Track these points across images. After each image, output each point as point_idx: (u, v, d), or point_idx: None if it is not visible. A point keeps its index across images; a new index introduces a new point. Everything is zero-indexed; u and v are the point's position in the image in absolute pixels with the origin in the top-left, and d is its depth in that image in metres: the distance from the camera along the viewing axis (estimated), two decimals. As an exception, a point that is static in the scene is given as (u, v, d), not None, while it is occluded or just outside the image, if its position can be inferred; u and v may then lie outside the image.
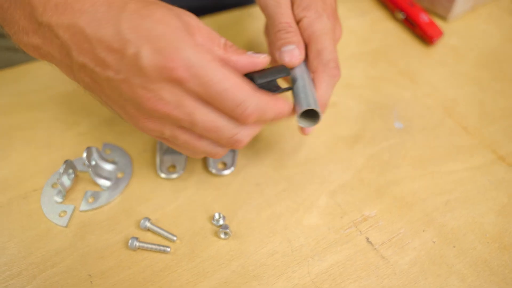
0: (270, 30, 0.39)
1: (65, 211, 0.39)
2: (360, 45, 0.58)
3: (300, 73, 0.37)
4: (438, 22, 0.61)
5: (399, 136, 0.46)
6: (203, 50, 0.28)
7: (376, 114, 0.48)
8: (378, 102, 0.50)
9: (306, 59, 0.38)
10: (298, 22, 0.39)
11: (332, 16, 0.39)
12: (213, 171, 0.41)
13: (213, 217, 0.38)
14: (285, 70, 0.35)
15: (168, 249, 0.36)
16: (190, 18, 0.30)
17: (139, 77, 0.28)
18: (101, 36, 0.28)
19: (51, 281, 0.34)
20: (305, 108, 0.33)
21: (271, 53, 0.41)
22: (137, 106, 0.30)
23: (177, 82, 0.28)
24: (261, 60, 0.32)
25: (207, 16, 0.60)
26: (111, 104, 0.32)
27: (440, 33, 0.58)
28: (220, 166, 0.42)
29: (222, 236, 0.37)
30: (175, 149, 0.37)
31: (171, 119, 0.30)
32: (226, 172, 0.41)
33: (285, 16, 0.38)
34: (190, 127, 0.30)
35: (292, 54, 0.37)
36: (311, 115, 0.35)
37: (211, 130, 0.30)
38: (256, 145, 0.44)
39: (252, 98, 0.29)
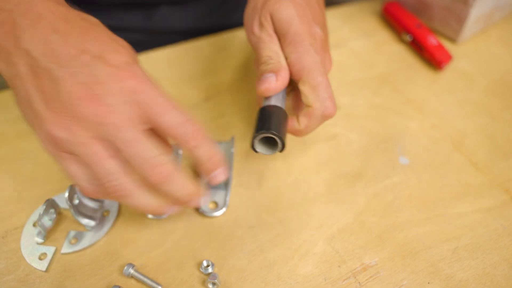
0: (256, 69, 0.38)
1: (45, 254, 0.37)
2: (363, 70, 0.55)
3: (274, 102, 0.36)
4: (447, 45, 0.58)
5: (403, 173, 0.43)
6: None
7: (380, 148, 0.45)
8: (381, 134, 0.47)
9: (293, 93, 0.39)
10: (286, 58, 0.37)
11: (321, 49, 0.38)
12: (204, 211, 0.39)
13: (201, 264, 0.35)
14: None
15: (159, 287, 0.34)
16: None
17: (89, 75, 0.27)
18: (63, 35, 0.28)
19: (25, 335, 0.32)
20: (261, 132, 0.33)
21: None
22: (65, 102, 0.27)
23: (130, 93, 0.28)
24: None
25: (210, 36, 0.58)
26: (34, 96, 0.28)
27: (449, 57, 0.55)
28: (211, 206, 0.40)
29: (210, 286, 0.34)
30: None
31: (102, 121, 0.27)
32: (218, 213, 0.39)
33: (266, 50, 0.37)
34: (114, 138, 0.28)
35: (267, 81, 0.36)
36: (272, 142, 0.35)
37: (137, 143, 0.28)
38: (250, 182, 0.42)
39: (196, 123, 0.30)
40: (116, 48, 0.29)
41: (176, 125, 0.29)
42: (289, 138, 0.45)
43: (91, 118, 0.27)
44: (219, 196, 0.40)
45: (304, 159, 0.44)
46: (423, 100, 0.51)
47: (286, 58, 0.37)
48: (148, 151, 0.28)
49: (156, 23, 0.59)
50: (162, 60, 0.55)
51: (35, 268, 0.36)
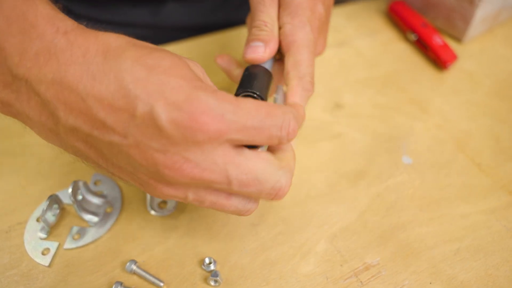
0: (249, 26, 0.38)
1: (48, 249, 0.37)
2: (368, 69, 0.55)
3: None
4: (453, 45, 0.58)
5: (407, 173, 0.43)
6: (223, 95, 0.24)
7: (383, 148, 0.45)
8: (385, 133, 0.47)
9: (279, 62, 0.39)
10: (280, 27, 0.37)
11: (318, 28, 0.37)
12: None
13: (203, 262, 0.35)
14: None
15: (162, 284, 0.34)
16: (196, 66, 0.29)
17: (155, 140, 0.23)
18: (99, 92, 0.23)
19: (28, 329, 0.32)
20: (244, 90, 0.33)
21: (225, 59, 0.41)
22: (154, 173, 0.25)
23: (217, 136, 0.24)
24: None
25: (214, 33, 0.58)
26: (115, 171, 0.27)
27: (454, 57, 0.55)
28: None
29: (212, 283, 0.34)
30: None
31: (200, 182, 0.25)
32: None
33: (264, 15, 0.36)
34: (224, 187, 0.26)
35: (256, 51, 0.35)
36: None
37: (250, 183, 0.26)
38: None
39: (288, 114, 0.27)
40: (171, 80, 0.23)
41: (273, 137, 0.26)
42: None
43: (190, 182, 0.25)
44: None
45: (308, 157, 0.44)
46: (427, 100, 0.51)
47: (280, 27, 0.37)
48: (266, 184, 0.27)
49: (163, 19, 0.59)
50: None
51: (38, 263, 0.36)
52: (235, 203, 0.28)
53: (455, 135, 0.47)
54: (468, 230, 0.39)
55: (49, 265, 0.36)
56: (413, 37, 0.58)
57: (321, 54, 0.42)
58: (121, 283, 0.34)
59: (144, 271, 0.35)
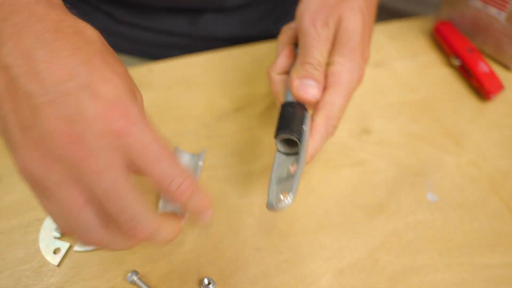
0: (299, 52, 0.37)
1: (59, 249, 0.38)
2: (403, 93, 0.52)
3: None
4: (500, 73, 0.54)
5: (429, 211, 0.40)
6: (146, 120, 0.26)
7: (408, 181, 0.43)
8: (413, 166, 0.44)
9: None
10: (329, 64, 0.36)
11: (363, 71, 0.37)
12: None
13: (202, 282, 0.35)
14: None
15: None
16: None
17: (71, 109, 0.23)
18: (51, 52, 0.24)
19: (30, 326, 0.34)
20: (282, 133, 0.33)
21: (276, 65, 0.39)
22: (44, 135, 0.23)
23: (116, 136, 0.24)
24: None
25: (250, 45, 0.57)
26: (10, 119, 0.24)
27: (500, 87, 0.51)
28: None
29: (209, 305, 0.34)
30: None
31: (78, 165, 0.24)
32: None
33: (318, 53, 0.36)
34: (94, 184, 0.24)
35: (309, 91, 0.35)
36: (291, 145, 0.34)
37: (113, 199, 0.24)
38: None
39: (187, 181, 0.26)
40: (108, 77, 0.25)
41: (166, 179, 0.26)
42: (313, 160, 0.44)
43: (69, 159, 0.23)
44: None
45: (325, 183, 0.42)
46: (464, 133, 0.47)
47: (329, 64, 0.37)
48: (129, 208, 0.24)
49: (201, 29, 0.59)
50: (199, 66, 0.55)
51: (48, 261, 0.37)
52: (86, 213, 0.25)
53: (491, 175, 0.43)
54: (490, 284, 0.36)
55: (58, 265, 0.37)
56: (456, 62, 0.54)
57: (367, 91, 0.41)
58: (136, 273, 0.35)
59: (144, 283, 0.35)
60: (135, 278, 0.35)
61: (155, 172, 0.25)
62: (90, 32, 0.27)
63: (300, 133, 0.33)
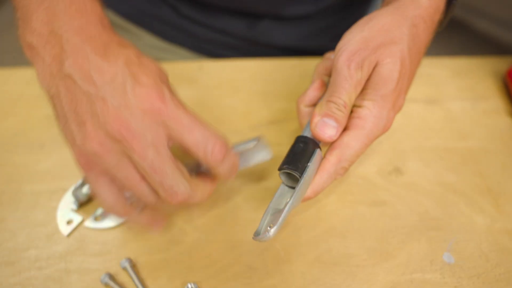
0: (328, 88, 0.36)
1: (72, 221, 0.41)
2: (451, 138, 0.48)
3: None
4: None
5: (441, 273, 0.37)
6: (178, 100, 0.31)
7: (427, 234, 0.40)
8: (437, 219, 0.41)
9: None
10: (357, 105, 0.35)
11: (391, 120, 0.36)
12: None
13: (186, 285, 0.36)
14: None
15: None
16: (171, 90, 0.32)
17: (119, 99, 0.29)
18: (101, 63, 0.30)
19: (28, 283, 0.37)
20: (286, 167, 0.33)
21: (305, 97, 0.40)
22: (100, 123, 0.30)
23: (155, 114, 0.29)
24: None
25: (301, 58, 0.57)
26: (70, 116, 0.31)
27: None
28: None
29: (185, 310, 0.35)
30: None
31: (127, 146, 0.29)
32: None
33: (347, 95, 0.35)
34: (140, 161, 0.30)
35: (327, 131, 0.34)
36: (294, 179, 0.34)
37: (158, 171, 0.30)
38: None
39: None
40: (144, 70, 0.31)
41: (198, 144, 0.31)
42: (330, 188, 0.43)
43: (121, 140, 0.29)
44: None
45: (337, 217, 0.41)
46: (506, 195, 0.43)
47: (356, 106, 0.36)
48: (169, 177, 0.30)
49: (257, 35, 0.60)
50: (247, 70, 0.56)
51: (60, 230, 0.40)
52: (142, 187, 0.31)
53: (526, 249, 0.39)
54: None
55: (67, 235, 0.40)
56: (523, 115, 0.49)
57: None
58: (110, 276, 0.36)
59: (134, 272, 0.37)
60: (127, 265, 0.37)
61: (189, 141, 0.30)
62: (127, 44, 0.33)
63: (303, 170, 0.33)
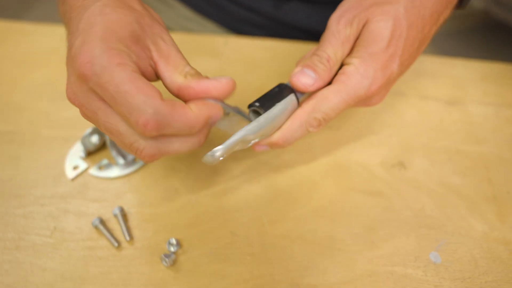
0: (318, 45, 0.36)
1: (78, 167, 0.44)
2: (466, 142, 0.46)
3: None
4: None
5: (423, 270, 0.36)
6: (115, 54, 0.27)
7: (418, 232, 0.39)
8: (432, 218, 0.40)
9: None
10: (344, 63, 0.35)
11: (379, 86, 0.34)
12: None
13: (169, 240, 0.37)
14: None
15: (116, 244, 0.37)
16: (159, 35, 0.30)
17: (68, 63, 0.29)
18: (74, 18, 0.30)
19: (30, 216, 0.40)
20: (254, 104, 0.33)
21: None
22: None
23: (83, 78, 0.27)
24: (217, 84, 0.30)
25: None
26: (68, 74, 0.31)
27: None
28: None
29: (163, 262, 0.36)
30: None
31: (82, 110, 0.30)
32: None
33: (332, 50, 0.35)
34: (96, 124, 0.30)
35: (304, 81, 0.34)
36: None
37: (112, 133, 0.29)
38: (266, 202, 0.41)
39: (149, 105, 0.26)
40: (98, 27, 0.29)
41: (127, 117, 0.28)
42: (324, 167, 0.43)
43: (84, 81, 0.29)
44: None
45: (330, 199, 0.41)
46: (514, 207, 0.41)
47: (344, 63, 0.35)
48: (127, 101, 0.28)
49: (283, 15, 0.60)
50: (270, 50, 0.56)
51: (66, 174, 0.43)
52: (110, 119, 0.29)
53: (522, 263, 0.37)
54: None
55: (72, 179, 0.43)
56: (549, 128, 0.46)
57: (370, 106, 0.39)
58: (100, 220, 0.38)
59: (124, 220, 0.39)
60: (118, 212, 0.39)
61: (118, 111, 0.28)
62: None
63: (268, 108, 0.33)
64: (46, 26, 0.59)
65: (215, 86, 0.30)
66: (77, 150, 0.45)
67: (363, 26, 0.34)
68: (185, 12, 0.64)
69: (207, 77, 0.30)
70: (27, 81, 0.53)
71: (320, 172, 0.43)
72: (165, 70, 0.30)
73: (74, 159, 0.44)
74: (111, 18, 0.29)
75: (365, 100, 0.36)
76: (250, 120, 0.34)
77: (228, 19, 0.63)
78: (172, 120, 0.27)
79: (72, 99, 0.29)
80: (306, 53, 0.38)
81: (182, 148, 0.30)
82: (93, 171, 0.43)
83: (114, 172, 0.43)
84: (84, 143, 0.43)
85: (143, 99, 0.26)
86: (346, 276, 0.36)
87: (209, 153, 0.31)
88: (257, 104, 0.34)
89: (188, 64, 0.31)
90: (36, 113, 0.49)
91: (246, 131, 0.32)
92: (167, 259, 0.35)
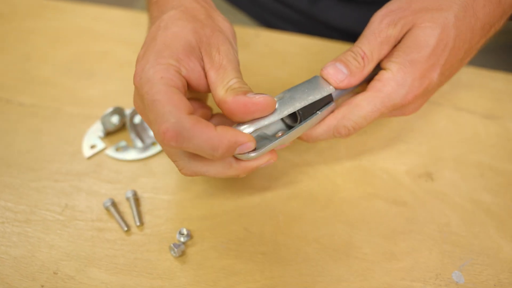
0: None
1: (95, 146, 0.43)
2: (501, 159, 0.43)
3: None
4: None
5: (445, 289, 0.34)
6: (161, 69, 0.29)
7: (442, 248, 0.36)
8: (458, 235, 0.37)
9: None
10: (382, 67, 0.33)
11: (416, 95, 0.33)
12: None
13: (180, 230, 0.36)
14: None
15: (125, 228, 0.36)
16: (224, 52, 0.31)
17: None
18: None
19: (44, 191, 0.39)
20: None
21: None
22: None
23: (134, 86, 0.30)
24: (255, 101, 0.28)
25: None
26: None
27: None
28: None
29: (171, 251, 0.35)
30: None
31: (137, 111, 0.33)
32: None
33: (368, 47, 0.33)
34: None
35: (335, 76, 0.32)
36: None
37: (156, 136, 0.28)
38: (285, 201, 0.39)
39: (173, 115, 0.27)
40: (154, 41, 0.32)
41: (151, 123, 0.30)
42: (347, 169, 0.41)
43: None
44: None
45: (351, 204, 0.39)
46: (549, 232, 0.38)
47: (382, 67, 0.33)
48: (154, 112, 0.30)
49: (317, 12, 0.58)
50: (300, 46, 0.54)
51: (83, 152, 0.43)
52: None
53: (554, 293, 0.34)
54: None
55: (88, 158, 0.42)
56: None
57: (404, 116, 0.38)
58: (112, 202, 0.38)
59: (135, 205, 0.38)
60: (130, 196, 0.38)
61: (150, 119, 0.29)
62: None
63: (307, 116, 0.32)
64: (79, 5, 0.59)
65: (251, 103, 0.29)
66: (96, 129, 0.44)
67: (408, 30, 0.32)
68: (219, 2, 0.63)
69: (248, 92, 0.29)
70: (56, 58, 0.53)
71: (343, 175, 0.41)
72: (212, 81, 0.30)
73: (92, 138, 0.44)
74: (170, 32, 0.31)
75: (399, 109, 0.34)
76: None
77: (261, 12, 0.62)
78: (192, 135, 0.27)
79: (134, 100, 0.32)
80: (339, 53, 0.37)
81: (218, 175, 0.32)
82: (110, 151, 0.42)
83: (131, 154, 0.42)
84: (103, 122, 0.43)
85: (169, 109, 0.27)
86: (361, 287, 0.34)
87: (244, 156, 0.31)
88: (300, 112, 0.32)
89: (237, 77, 0.30)
90: (61, 89, 0.49)
91: (282, 141, 0.32)
92: (176, 249, 0.34)
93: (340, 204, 0.39)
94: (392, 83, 0.32)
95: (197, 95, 0.35)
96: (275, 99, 0.31)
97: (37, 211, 0.38)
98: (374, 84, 0.32)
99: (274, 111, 0.30)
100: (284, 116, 0.31)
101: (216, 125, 0.28)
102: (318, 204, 0.39)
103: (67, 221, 0.37)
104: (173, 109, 0.27)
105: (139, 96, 0.30)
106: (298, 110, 0.32)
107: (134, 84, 0.30)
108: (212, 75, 0.30)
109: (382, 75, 0.32)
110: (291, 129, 0.33)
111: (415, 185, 0.41)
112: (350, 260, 0.35)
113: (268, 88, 0.50)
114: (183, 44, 0.30)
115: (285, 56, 0.54)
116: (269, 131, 0.33)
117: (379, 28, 0.32)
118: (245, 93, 0.29)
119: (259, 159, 0.32)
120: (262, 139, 0.32)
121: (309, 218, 0.38)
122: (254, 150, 0.31)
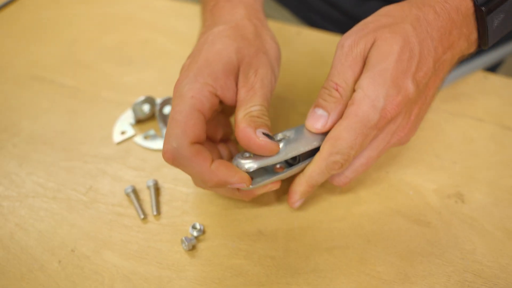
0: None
1: (125, 132, 0.44)
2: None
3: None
4: None
5: (459, 320, 0.32)
6: (195, 88, 0.30)
7: (462, 275, 0.34)
8: (482, 264, 0.35)
9: None
10: (355, 88, 0.32)
11: (397, 106, 0.31)
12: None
13: (194, 224, 0.36)
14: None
15: (142, 216, 0.37)
16: (265, 69, 0.33)
17: None
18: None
19: (72, 171, 0.41)
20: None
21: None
22: None
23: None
24: (257, 142, 0.31)
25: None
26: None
27: None
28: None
29: (183, 244, 0.35)
30: None
31: None
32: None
33: (339, 76, 0.32)
34: None
35: (316, 122, 0.32)
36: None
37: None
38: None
39: (177, 140, 0.29)
40: (192, 61, 0.33)
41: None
42: (371, 181, 0.39)
43: None
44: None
45: (371, 218, 0.37)
46: None
47: (355, 89, 0.32)
48: (168, 130, 0.32)
49: (362, 14, 0.56)
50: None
51: (112, 137, 0.44)
52: None
53: None
54: None
55: (117, 143, 0.44)
56: None
57: (403, 144, 0.36)
58: (133, 189, 0.39)
59: (155, 194, 0.39)
60: (151, 184, 0.39)
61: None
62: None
63: (306, 156, 0.34)
64: (127, -8, 0.61)
65: (253, 142, 0.30)
66: (128, 116, 0.46)
67: (371, 45, 0.31)
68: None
69: (262, 127, 0.31)
70: (100, 43, 0.55)
71: (366, 186, 0.39)
72: (239, 100, 0.32)
73: (123, 124, 0.45)
74: (215, 48, 0.32)
75: (388, 129, 0.33)
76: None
77: (305, 10, 0.60)
78: (187, 164, 0.30)
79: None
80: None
81: (226, 196, 0.36)
82: (138, 139, 0.44)
83: (158, 144, 0.43)
84: (135, 110, 0.44)
85: (177, 133, 0.29)
86: (369, 305, 0.32)
87: (239, 163, 0.32)
88: (299, 159, 0.34)
89: (261, 105, 0.32)
90: (100, 74, 0.51)
91: (279, 177, 0.34)
92: (187, 242, 0.35)
93: (359, 216, 0.38)
94: (366, 101, 0.30)
95: (231, 109, 0.36)
96: (279, 142, 0.33)
97: (63, 189, 0.40)
98: (349, 110, 0.31)
99: (278, 152, 0.32)
100: (288, 158, 0.33)
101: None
102: (336, 214, 0.38)
103: (89, 202, 0.39)
104: (180, 134, 0.29)
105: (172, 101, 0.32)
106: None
107: (173, 90, 0.32)
108: (241, 94, 0.32)
109: (355, 97, 0.31)
110: (290, 168, 0.34)
111: (443, 205, 0.38)
112: (361, 276, 0.34)
113: (302, 88, 0.49)
114: (224, 63, 0.31)
115: (324, 56, 0.53)
116: (269, 164, 0.34)
117: (343, 53, 0.32)
118: (258, 126, 0.31)
119: (258, 189, 0.34)
120: (260, 169, 0.34)
121: (324, 228, 0.37)
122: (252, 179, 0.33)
